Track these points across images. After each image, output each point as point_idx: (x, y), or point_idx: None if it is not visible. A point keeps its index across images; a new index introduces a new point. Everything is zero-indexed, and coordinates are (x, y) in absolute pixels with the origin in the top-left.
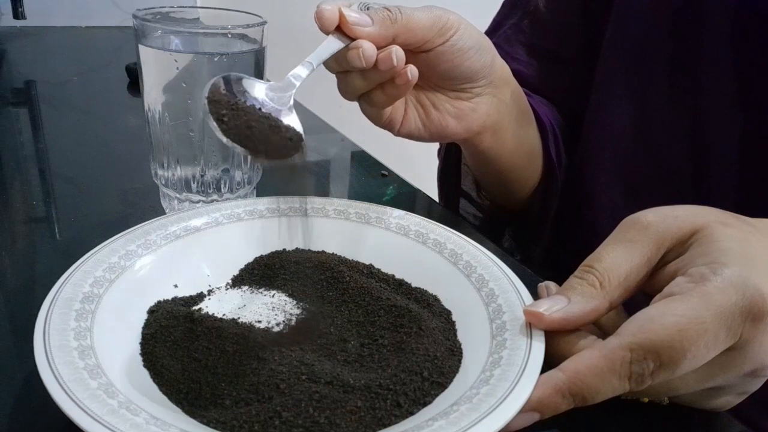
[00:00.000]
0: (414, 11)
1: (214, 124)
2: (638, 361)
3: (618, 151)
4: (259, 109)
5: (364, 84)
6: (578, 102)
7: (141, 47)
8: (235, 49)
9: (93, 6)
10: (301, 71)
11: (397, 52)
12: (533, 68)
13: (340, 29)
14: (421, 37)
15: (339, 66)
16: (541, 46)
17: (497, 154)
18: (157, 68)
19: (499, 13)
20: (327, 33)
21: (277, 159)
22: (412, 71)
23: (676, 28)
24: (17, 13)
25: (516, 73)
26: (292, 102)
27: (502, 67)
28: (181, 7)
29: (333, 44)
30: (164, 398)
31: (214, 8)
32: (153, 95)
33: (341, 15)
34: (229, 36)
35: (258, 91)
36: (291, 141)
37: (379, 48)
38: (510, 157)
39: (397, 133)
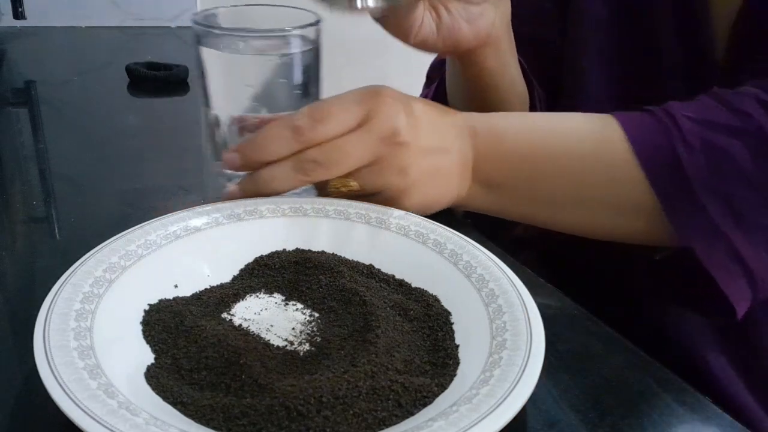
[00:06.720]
0: None
1: None
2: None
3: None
4: None
5: None
6: (558, 84)
7: (204, 50)
8: (295, 48)
9: (93, 6)
10: None
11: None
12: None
13: None
14: None
15: None
16: (518, 33)
17: (494, 72)
18: (221, 71)
19: None
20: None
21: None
22: None
23: None
24: (17, 13)
25: None
26: None
27: None
28: (235, 5)
29: None
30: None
31: (261, 5)
32: (218, 98)
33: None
34: (288, 37)
35: None
36: None
37: None
38: (502, 78)
39: (413, 40)
